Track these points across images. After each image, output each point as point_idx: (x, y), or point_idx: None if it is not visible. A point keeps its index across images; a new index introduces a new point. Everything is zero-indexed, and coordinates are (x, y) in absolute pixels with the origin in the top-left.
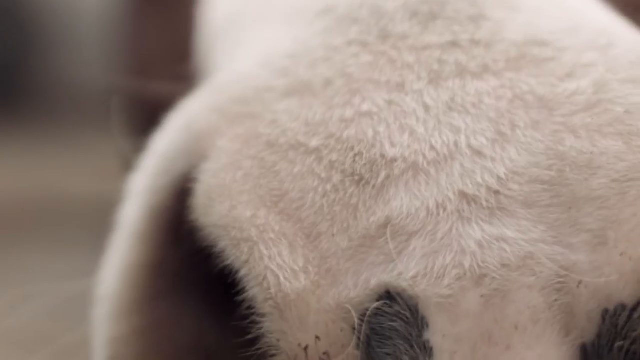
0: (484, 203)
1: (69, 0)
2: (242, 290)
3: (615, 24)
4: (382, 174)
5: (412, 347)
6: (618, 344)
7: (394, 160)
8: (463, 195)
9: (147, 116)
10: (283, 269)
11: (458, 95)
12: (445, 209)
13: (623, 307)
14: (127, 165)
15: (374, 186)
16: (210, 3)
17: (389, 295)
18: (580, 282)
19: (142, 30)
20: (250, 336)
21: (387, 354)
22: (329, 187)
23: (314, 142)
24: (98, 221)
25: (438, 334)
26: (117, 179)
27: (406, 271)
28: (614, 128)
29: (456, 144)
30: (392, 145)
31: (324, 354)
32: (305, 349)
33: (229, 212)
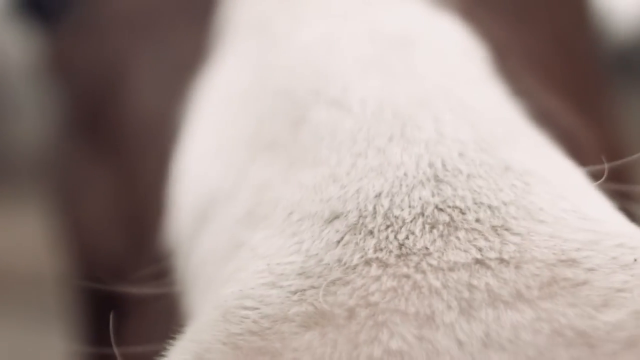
0: None
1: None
2: None
3: (628, 227)
4: None
5: None
6: None
7: None
8: None
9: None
10: None
11: (492, 330)
12: None
13: None
14: None
15: None
16: (182, 174)
17: None
18: None
19: (85, 186)
20: None
21: None
22: None
23: None
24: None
25: None
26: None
27: None
28: None
29: None
30: None
31: None
32: None
33: None
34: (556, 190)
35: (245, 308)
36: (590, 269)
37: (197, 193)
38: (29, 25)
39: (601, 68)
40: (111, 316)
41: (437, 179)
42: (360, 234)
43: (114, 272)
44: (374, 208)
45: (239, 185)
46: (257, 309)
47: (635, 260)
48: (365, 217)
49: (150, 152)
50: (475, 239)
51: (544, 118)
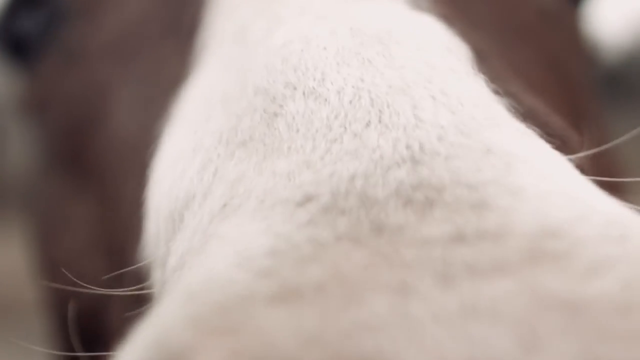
0: None
1: None
2: None
3: (619, 209)
4: None
5: None
6: None
7: None
8: None
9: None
10: None
11: (469, 300)
12: None
13: None
14: None
15: None
16: (158, 180)
17: None
18: None
19: (67, 217)
20: None
21: None
22: None
23: None
24: None
25: None
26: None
27: None
28: None
29: (473, 359)
30: None
31: None
32: None
33: None
34: (540, 172)
35: (210, 289)
36: (576, 241)
37: (173, 195)
38: (9, 62)
39: (590, 89)
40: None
41: (414, 161)
42: (332, 214)
43: (96, 301)
44: (347, 189)
45: (215, 183)
46: (222, 289)
47: (623, 235)
48: (338, 198)
49: (130, 177)
50: (451, 215)
51: (529, 116)
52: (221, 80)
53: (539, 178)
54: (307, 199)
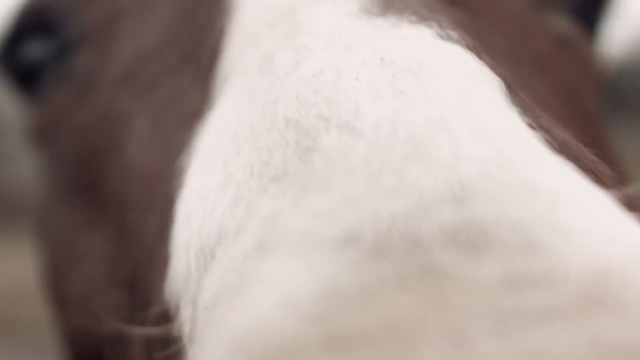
0: None
1: None
2: None
3: None
4: None
5: None
6: None
7: None
8: None
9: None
10: None
11: (523, 348)
12: None
13: None
14: None
15: None
16: (187, 215)
17: None
18: None
19: (80, 244)
20: None
21: None
22: None
23: None
24: None
25: None
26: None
27: None
28: None
29: None
30: None
31: None
32: None
33: None
34: (585, 210)
35: (257, 336)
36: (630, 285)
37: (204, 231)
38: (13, 88)
39: (603, 117)
40: None
41: (456, 200)
42: (376, 256)
43: (115, 338)
44: (390, 229)
45: (248, 219)
46: (269, 336)
47: None
48: (382, 239)
49: (152, 211)
50: (499, 258)
51: (562, 150)
52: (248, 111)
53: (585, 217)
54: (350, 240)
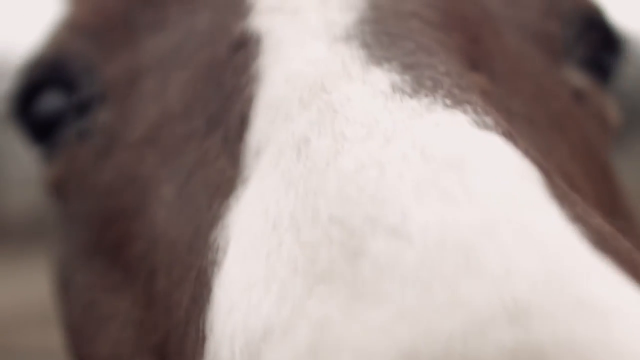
0: None
1: None
2: None
3: None
4: None
5: None
6: None
7: None
8: None
9: None
10: None
11: None
12: None
13: None
14: None
15: None
16: (229, 306)
17: None
18: None
19: (105, 307)
20: None
21: None
22: None
23: None
24: None
25: None
26: None
27: None
28: None
29: None
30: None
31: None
32: None
33: None
34: (636, 325)
35: None
36: None
37: (248, 326)
38: (28, 139)
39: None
40: None
41: (511, 317)
42: None
43: None
44: (448, 349)
45: (295, 319)
46: None
47: None
48: (440, 359)
49: (183, 284)
50: None
51: (599, 243)
52: (286, 198)
53: (638, 334)
54: (406, 358)
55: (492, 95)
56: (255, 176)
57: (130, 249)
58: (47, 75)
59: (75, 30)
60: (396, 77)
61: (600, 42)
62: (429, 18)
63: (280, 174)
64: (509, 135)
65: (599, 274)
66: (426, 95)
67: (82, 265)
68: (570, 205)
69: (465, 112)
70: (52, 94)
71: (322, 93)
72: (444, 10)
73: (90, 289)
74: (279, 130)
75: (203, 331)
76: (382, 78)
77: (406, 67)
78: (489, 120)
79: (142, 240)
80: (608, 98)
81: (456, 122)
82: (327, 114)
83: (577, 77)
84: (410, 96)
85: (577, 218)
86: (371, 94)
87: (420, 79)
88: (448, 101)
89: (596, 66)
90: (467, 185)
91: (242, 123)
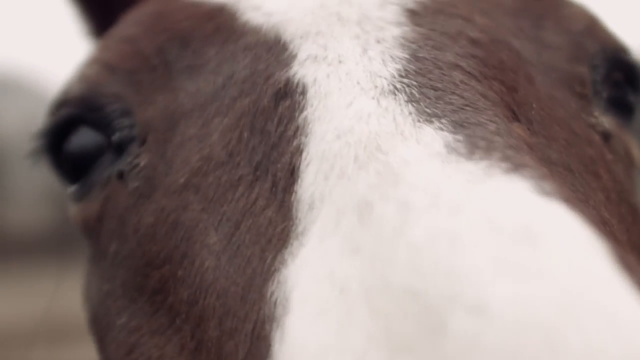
0: None
1: None
2: None
3: None
4: None
5: None
6: None
7: None
8: None
9: None
10: None
11: None
12: None
13: None
14: None
15: None
16: None
17: None
18: None
19: (150, 350)
20: None
21: None
22: None
23: None
24: None
25: None
26: None
27: None
28: None
29: None
30: None
31: None
32: None
33: None
34: None
35: None
36: None
37: None
38: (57, 173)
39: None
40: None
41: None
42: None
43: None
44: None
45: None
46: None
47: None
48: None
49: (238, 336)
50: None
51: None
52: (352, 265)
53: None
54: None
55: (535, 148)
56: (313, 235)
57: (176, 294)
58: (80, 114)
59: (109, 70)
60: (449, 137)
61: (625, 80)
62: (469, 69)
63: (342, 237)
64: (568, 202)
65: None
66: (482, 158)
67: (123, 307)
68: (633, 271)
69: (524, 177)
70: (86, 133)
71: (378, 153)
72: (482, 59)
73: (134, 332)
74: (334, 187)
75: None
76: (435, 137)
77: (457, 125)
78: (547, 186)
79: (189, 286)
80: (632, 136)
81: (518, 190)
82: (386, 178)
83: (604, 119)
84: (467, 158)
85: (637, 282)
86: (427, 156)
87: (473, 139)
88: (504, 165)
89: (621, 105)
90: (541, 260)
91: (291, 174)
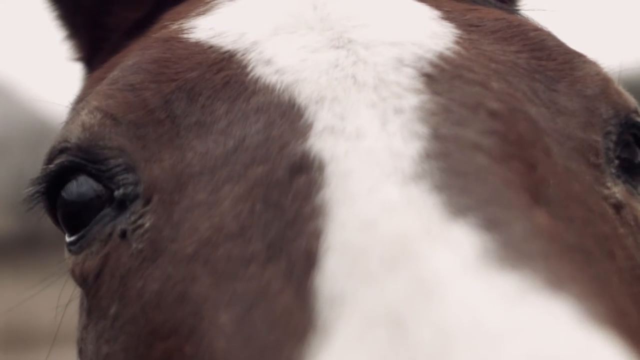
0: None
1: None
2: None
3: None
4: None
5: None
6: None
7: None
8: None
9: None
10: None
11: None
12: None
13: None
14: None
15: None
16: None
17: None
18: None
19: None
20: None
21: None
22: None
23: None
24: None
25: None
26: None
27: None
28: None
29: None
30: None
31: None
32: None
33: None
34: None
35: None
36: None
37: None
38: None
39: None
40: None
41: None
42: None
43: None
44: None
45: None
46: None
47: None
48: None
49: None
50: None
51: None
52: None
53: None
54: None
55: (555, 238)
56: (337, 341)
57: None
58: (81, 163)
59: (112, 120)
60: (478, 240)
61: (634, 141)
62: (490, 149)
63: (370, 354)
64: (606, 323)
65: None
66: (515, 267)
67: None
68: None
69: (563, 299)
70: (86, 181)
71: (407, 257)
72: (502, 136)
73: None
74: (360, 288)
75: None
76: (465, 240)
77: (486, 224)
78: (585, 307)
79: None
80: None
81: (561, 316)
82: (418, 290)
83: (616, 189)
84: (500, 268)
85: None
86: (460, 266)
87: (504, 245)
88: (541, 279)
89: (629, 167)
90: None
91: (308, 260)
